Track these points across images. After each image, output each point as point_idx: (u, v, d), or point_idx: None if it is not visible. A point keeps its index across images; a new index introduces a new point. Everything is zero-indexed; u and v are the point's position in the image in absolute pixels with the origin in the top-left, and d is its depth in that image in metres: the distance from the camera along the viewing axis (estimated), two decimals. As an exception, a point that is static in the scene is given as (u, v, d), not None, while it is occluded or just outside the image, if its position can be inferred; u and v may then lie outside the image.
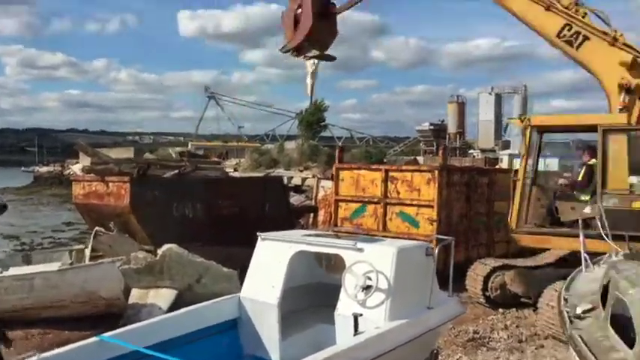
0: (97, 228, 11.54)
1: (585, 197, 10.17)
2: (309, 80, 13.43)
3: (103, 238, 11.38)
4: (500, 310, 11.09)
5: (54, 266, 9.80)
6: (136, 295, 10.09)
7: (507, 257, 13.25)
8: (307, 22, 12.53)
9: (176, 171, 13.62)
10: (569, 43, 10.63)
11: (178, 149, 57.99)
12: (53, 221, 32.17)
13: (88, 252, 11.51)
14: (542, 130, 10.96)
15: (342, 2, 13.19)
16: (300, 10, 12.58)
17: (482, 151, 66.91)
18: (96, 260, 10.75)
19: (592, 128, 10.16)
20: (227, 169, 35.11)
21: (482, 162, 46.46)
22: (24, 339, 8.99)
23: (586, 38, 10.51)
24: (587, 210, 9.29)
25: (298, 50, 12.86)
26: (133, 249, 11.34)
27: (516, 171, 10.94)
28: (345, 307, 5.99)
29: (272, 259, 6.69)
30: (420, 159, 53.25)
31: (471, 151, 70.70)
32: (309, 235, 7.07)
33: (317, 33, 12.67)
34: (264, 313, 6.49)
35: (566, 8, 10.68)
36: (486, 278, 11.33)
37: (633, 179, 7.66)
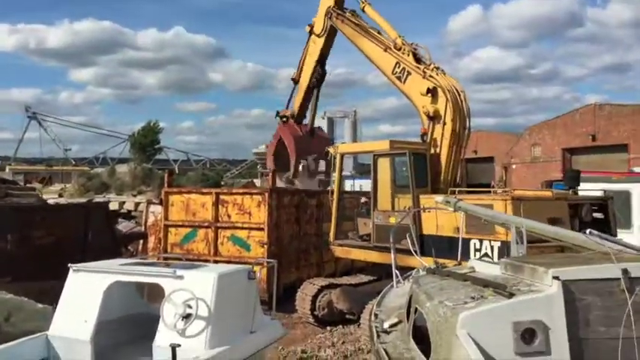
0: None
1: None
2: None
3: None
4: (328, 328, 11.43)
5: None
6: None
7: (336, 276, 13.77)
8: (293, 151, 16.03)
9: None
10: (399, 78, 12.24)
11: (-7, 174, 52.64)
12: None
13: None
14: (346, 155, 12.85)
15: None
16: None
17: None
18: None
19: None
20: (50, 195, 32.52)
21: (317, 184, 48.00)
22: None
23: (409, 73, 11.96)
24: (368, 225, 11.00)
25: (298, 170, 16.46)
26: None
27: (332, 191, 12.25)
28: (163, 337, 5.76)
29: (85, 291, 6.27)
30: (257, 182, 53.66)
31: (305, 173, 72.76)
32: (128, 264, 6.74)
33: (305, 152, 16.40)
34: (75, 350, 6.03)
35: (398, 49, 12.33)
36: (314, 298, 11.65)
37: (439, 198, 8.34)
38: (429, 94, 11.45)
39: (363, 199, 12.24)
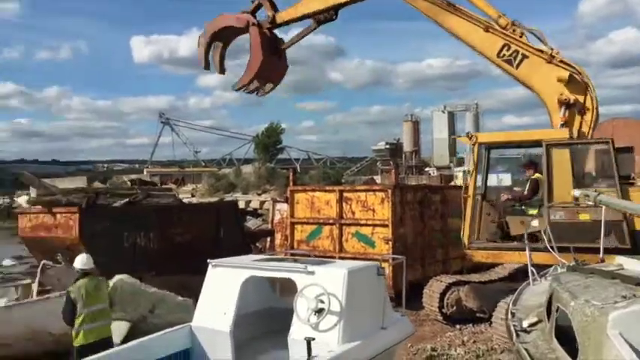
0: (43, 261, 11.17)
1: (533, 211, 10.38)
2: None
3: (51, 271, 11.01)
4: (458, 326, 11.17)
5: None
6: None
7: (463, 273, 13.41)
8: (256, 60, 12.94)
9: (126, 199, 13.32)
10: (509, 62, 11.06)
11: (134, 176, 57.06)
12: (1, 255, 31.03)
13: (34, 286, 11.10)
14: (489, 146, 11.20)
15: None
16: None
17: (438, 168, 68.03)
18: (43, 295, 10.37)
19: (537, 143, 10.48)
20: (184, 195, 34.63)
21: (438, 179, 47.25)
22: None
23: (524, 57, 10.94)
24: (535, 223, 9.39)
25: (248, 86, 13.34)
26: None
27: (467, 187, 11.03)
28: (298, 331, 5.92)
29: (223, 285, 6.59)
30: (377, 178, 53.72)
31: (427, 169, 71.71)
32: (261, 260, 7.01)
33: (267, 69, 13.20)
34: (216, 341, 6.36)
35: (503, 29, 11.11)
36: (442, 295, 11.42)
37: (577, 192, 7.85)
38: (566, 81, 10.63)
39: (504, 196, 11.37)
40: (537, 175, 10.63)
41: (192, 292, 11.19)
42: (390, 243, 12.99)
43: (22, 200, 41.85)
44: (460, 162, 67.03)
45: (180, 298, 10.79)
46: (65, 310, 7.29)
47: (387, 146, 78.15)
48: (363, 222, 13.54)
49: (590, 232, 8.01)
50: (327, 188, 15.25)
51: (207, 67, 13.82)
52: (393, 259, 10.65)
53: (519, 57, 10.97)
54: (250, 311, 7.03)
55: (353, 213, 13.76)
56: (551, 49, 10.79)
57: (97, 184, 41.88)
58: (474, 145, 10.84)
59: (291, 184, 15.42)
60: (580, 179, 9.85)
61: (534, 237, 9.42)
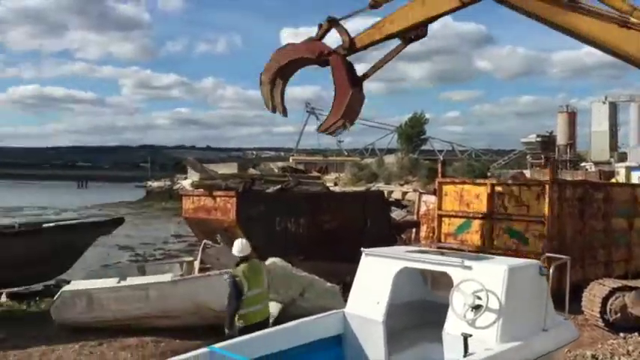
0: (205, 241, 11.97)
1: None
2: None
3: (211, 250, 11.76)
4: (622, 334, 10.30)
5: (167, 277, 10.22)
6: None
7: (627, 278, 12.38)
8: (344, 95, 11.04)
9: (279, 186, 13.89)
10: None
11: (280, 164, 59.47)
12: (164, 233, 33.90)
13: (197, 264, 11.95)
14: None
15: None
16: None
17: (596, 163, 63.14)
18: (204, 272, 11.13)
19: None
20: (327, 184, 35.49)
21: (597, 175, 43.91)
22: (139, 347, 9.43)
23: None
24: None
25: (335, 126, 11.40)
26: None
27: None
28: (454, 326, 5.78)
29: (376, 275, 6.61)
30: (527, 172, 51.15)
31: (583, 163, 66.92)
32: (414, 252, 6.93)
33: (353, 106, 11.33)
34: (369, 329, 6.40)
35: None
36: (605, 300, 10.58)
37: None
38: None
39: None
40: None
41: (338, 278, 11.46)
42: (546, 241, 12.28)
43: (185, 183, 45.30)
44: (622, 157, 61.64)
45: (328, 284, 11.03)
46: (231, 295, 7.46)
47: (539, 139, 73.98)
48: (516, 218, 12.94)
49: None
50: (478, 181, 14.78)
51: (274, 109, 11.72)
52: (554, 258, 10.04)
53: None
54: (402, 302, 6.98)
55: (505, 208, 13.18)
56: None
57: (251, 171, 44.11)
58: None
59: (439, 175, 15.12)
60: None
61: None
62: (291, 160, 78.51)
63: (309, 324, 6.67)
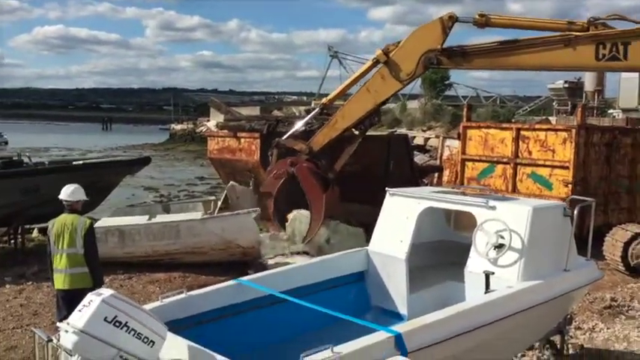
0: (232, 182, 12.20)
1: None
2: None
3: (237, 188, 12.00)
4: (642, 278, 10.40)
5: (197, 215, 10.50)
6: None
7: (651, 224, 12.33)
8: (319, 203, 11.25)
9: (303, 128, 13.88)
10: (614, 58, 9.60)
11: (302, 108, 59.13)
12: (187, 175, 34.40)
13: (218, 203, 12.19)
14: None
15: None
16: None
17: (624, 110, 61.70)
18: (222, 212, 11.37)
19: None
20: (350, 128, 35.32)
21: (624, 123, 43.07)
22: (167, 281, 9.79)
23: (627, 44, 9.45)
24: None
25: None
26: (256, 205, 11.79)
27: None
28: (476, 264, 5.88)
29: (400, 214, 6.69)
30: (553, 119, 50.29)
31: (610, 110, 65.46)
32: (438, 192, 6.98)
33: (334, 205, 11.60)
34: (392, 266, 6.54)
35: (584, 31, 9.81)
36: (627, 245, 10.66)
37: None
38: None
39: None
40: None
41: (360, 220, 11.58)
42: (570, 186, 12.24)
43: (210, 124, 45.49)
44: (651, 105, 60.13)
45: (351, 227, 11.21)
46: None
47: (566, 85, 72.32)
48: (540, 162, 12.88)
49: None
50: (503, 126, 14.64)
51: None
52: (577, 201, 10.04)
53: (621, 47, 9.46)
54: (425, 242, 7.10)
55: (530, 153, 13.12)
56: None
57: (275, 113, 44.07)
58: None
59: (464, 119, 15.00)
60: None
61: None
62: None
63: (334, 260, 6.84)
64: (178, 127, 76.98)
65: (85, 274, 6.36)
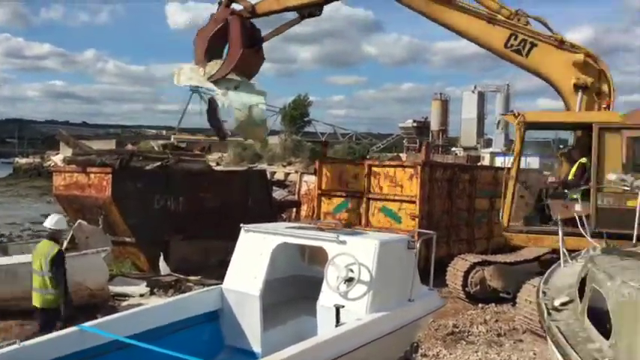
0: (80, 220, 11.50)
1: (576, 195, 9.97)
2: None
3: (85, 226, 11.31)
4: (480, 305, 11.21)
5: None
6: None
7: (487, 253, 13.42)
8: (236, 52, 12.74)
9: (158, 163, 13.51)
10: (518, 51, 10.91)
11: (161, 142, 57.47)
12: (32, 213, 31.76)
13: (65, 242, 11.40)
14: (535, 126, 10.73)
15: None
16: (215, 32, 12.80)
17: (465, 149, 67.39)
18: (70, 252, 10.66)
19: (585, 126, 10.06)
20: (210, 163, 34.99)
21: (465, 160, 46.86)
22: (2, 331, 8.90)
23: (533, 45, 10.77)
24: (579, 208, 8.95)
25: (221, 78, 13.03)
26: (106, 245, 11.26)
27: (509, 169, 10.53)
28: (327, 298, 6.03)
29: (255, 250, 6.71)
30: (403, 156, 53.47)
31: (453, 148, 71.09)
32: (293, 228, 7.10)
33: (246, 63, 12.97)
34: (246, 304, 6.50)
35: (507, 19, 10.95)
36: (466, 274, 11.46)
37: (612, 176, 7.76)
38: (579, 65, 10.41)
39: (550, 179, 11.08)
40: (584, 159, 10.24)
41: (220, 257, 11.41)
42: (417, 219, 13.01)
43: (57, 159, 42.63)
44: (488, 143, 66.24)
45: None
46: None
47: (415, 124, 77.56)
48: (390, 197, 13.57)
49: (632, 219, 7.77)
50: (356, 162, 15.29)
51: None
52: (422, 234, 10.68)
53: (528, 45, 10.82)
54: (280, 277, 7.16)
55: (381, 188, 13.79)
56: (559, 35, 10.65)
57: (129, 148, 42.40)
58: (519, 124, 10.14)
59: (321, 156, 15.47)
60: (630, 165, 9.30)
61: (573, 221, 9.03)
62: (172, 139, 76.17)
63: (186, 300, 6.67)
64: (23, 160, 71.42)
65: (51, 296, 7.10)
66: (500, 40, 11.00)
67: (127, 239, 12.67)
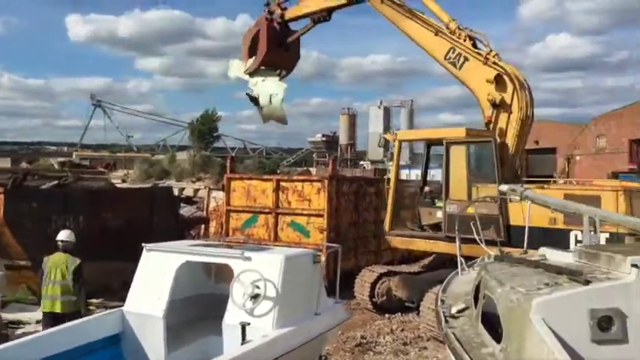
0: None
1: (441, 203, 10.86)
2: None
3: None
4: (387, 315, 11.48)
5: None
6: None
7: (394, 264, 13.78)
8: (262, 51, 14.74)
9: (56, 182, 12.86)
10: (454, 64, 11.67)
11: (61, 159, 54.87)
12: None
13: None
14: (408, 142, 12.14)
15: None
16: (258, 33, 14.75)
17: (372, 162, 69.11)
18: None
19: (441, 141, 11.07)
20: (115, 181, 33.71)
21: (372, 173, 48.00)
22: None
23: (466, 59, 11.48)
24: (439, 215, 10.39)
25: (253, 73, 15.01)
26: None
27: (389, 179, 11.96)
28: (233, 316, 5.96)
29: (158, 270, 6.53)
30: (313, 170, 54.01)
31: (361, 162, 72.69)
32: (197, 246, 6.98)
33: (271, 60, 14.92)
34: (148, 326, 6.30)
35: (452, 33, 11.69)
36: (373, 285, 11.71)
37: (504, 187, 8.20)
38: (494, 82, 11.12)
39: (427, 188, 11.92)
40: None
41: (123, 277, 10.98)
42: (325, 233, 13.16)
43: (-59, 179, 39.54)
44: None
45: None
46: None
47: (324, 138, 78.78)
48: (298, 212, 13.67)
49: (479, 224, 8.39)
50: (264, 177, 15.28)
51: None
52: (328, 247, 10.81)
53: (462, 59, 11.53)
54: (184, 297, 7.00)
55: (289, 202, 13.85)
56: (490, 51, 11.27)
57: (24, 166, 40.15)
58: (394, 141, 11.69)
59: (228, 171, 15.33)
60: (473, 175, 10.58)
61: (439, 227, 10.51)
62: (74, 156, 72.94)
63: (84, 325, 6.37)
64: None
65: (74, 300, 7.83)
66: (441, 53, 11.79)
67: (22, 262, 11.93)
